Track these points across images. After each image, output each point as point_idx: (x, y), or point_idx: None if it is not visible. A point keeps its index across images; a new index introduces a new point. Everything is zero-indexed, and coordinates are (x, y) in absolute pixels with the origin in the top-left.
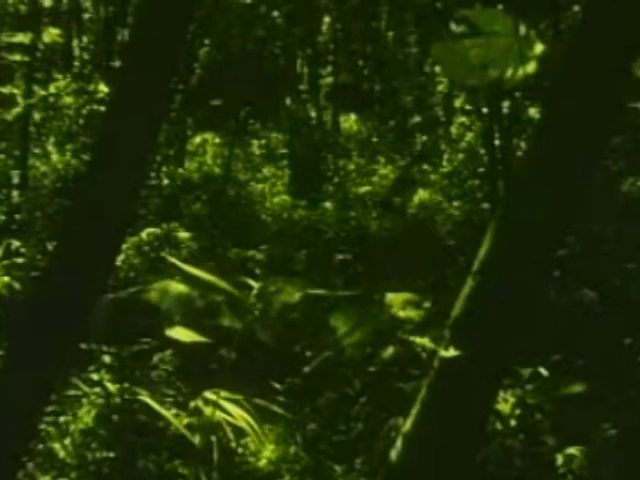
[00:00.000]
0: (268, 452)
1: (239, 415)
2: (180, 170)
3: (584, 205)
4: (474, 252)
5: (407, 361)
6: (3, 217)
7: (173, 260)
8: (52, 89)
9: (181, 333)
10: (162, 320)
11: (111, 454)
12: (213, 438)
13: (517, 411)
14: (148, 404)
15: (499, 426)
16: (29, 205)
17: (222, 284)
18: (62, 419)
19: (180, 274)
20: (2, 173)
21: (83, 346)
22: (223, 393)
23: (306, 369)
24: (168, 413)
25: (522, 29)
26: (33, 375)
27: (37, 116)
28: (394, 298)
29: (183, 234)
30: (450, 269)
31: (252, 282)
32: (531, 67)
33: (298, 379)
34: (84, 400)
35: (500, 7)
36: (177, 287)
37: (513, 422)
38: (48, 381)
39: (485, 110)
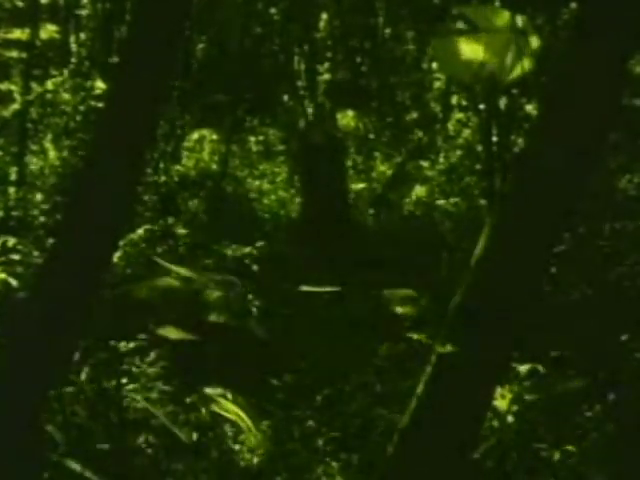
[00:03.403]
0: (265, 448)
1: (234, 411)
2: (177, 167)
3: (582, 202)
4: (471, 248)
5: (404, 357)
6: (0, 214)
7: (159, 260)
8: (49, 86)
9: (170, 331)
10: (158, 317)
11: (106, 450)
12: (209, 434)
13: (514, 408)
14: (139, 401)
15: (496, 423)
16: (26, 202)
17: (209, 282)
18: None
19: (170, 272)
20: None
21: (80, 342)
22: (219, 389)
23: (302, 365)
24: (160, 410)
25: (519, 25)
26: (31, 372)
27: (34, 113)
28: (392, 294)
29: (180, 230)
30: (447, 265)
31: (238, 280)
32: (528, 63)
33: (294, 375)
34: (81, 396)
35: (497, 3)
36: (172, 284)
37: (510, 418)
38: (47, 378)
39: (482, 106)
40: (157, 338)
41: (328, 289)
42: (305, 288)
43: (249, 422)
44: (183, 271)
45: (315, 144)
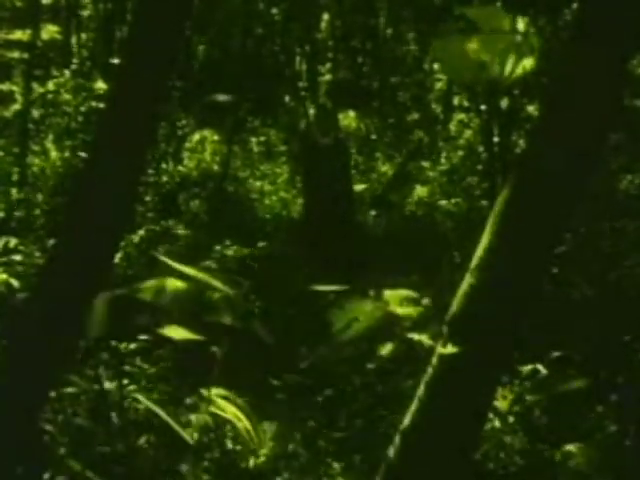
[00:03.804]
0: (266, 449)
1: (234, 413)
2: (179, 167)
3: (583, 202)
4: (472, 249)
5: (405, 358)
6: (2, 214)
7: (163, 258)
8: (51, 86)
9: (172, 331)
10: (160, 317)
11: (108, 451)
12: (211, 435)
13: (515, 408)
14: (141, 402)
15: (497, 423)
16: (28, 202)
17: (213, 282)
18: (61, 416)
19: (172, 272)
20: (1, 170)
21: (81, 343)
22: (221, 390)
23: (303, 365)
24: (162, 410)
25: (521, 26)
26: (31, 372)
27: (36, 113)
28: (392, 295)
29: (181, 231)
30: (448, 265)
31: (242, 280)
32: (530, 64)
33: (296, 376)
34: (83, 397)
35: (499, 4)
36: (175, 284)
37: (511, 419)
38: (47, 378)
39: (483, 107)
40: (158, 338)
41: (330, 288)
42: (307, 288)
43: (248, 424)
44: (187, 269)
45: (319, 145)
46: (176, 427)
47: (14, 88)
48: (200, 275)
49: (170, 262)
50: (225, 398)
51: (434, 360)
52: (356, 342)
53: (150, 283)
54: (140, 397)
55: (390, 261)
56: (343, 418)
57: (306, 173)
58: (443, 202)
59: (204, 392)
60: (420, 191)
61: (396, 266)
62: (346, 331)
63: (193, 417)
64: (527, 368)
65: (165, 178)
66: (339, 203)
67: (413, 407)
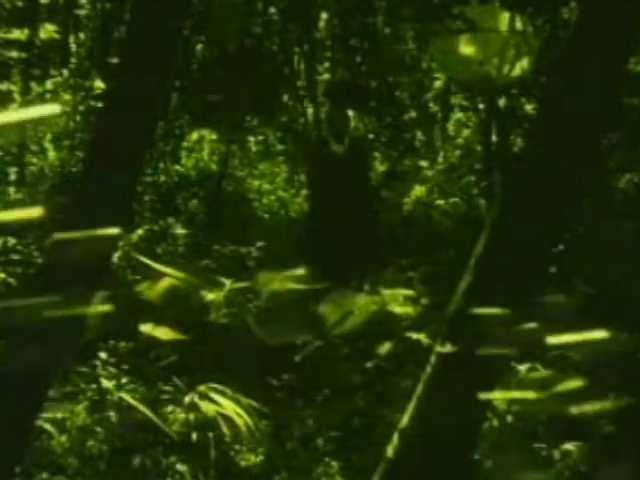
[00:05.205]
0: (264, 448)
1: (233, 409)
2: (177, 167)
3: (582, 202)
4: (471, 248)
5: (404, 357)
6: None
7: (143, 259)
8: (49, 85)
9: (161, 332)
10: (157, 317)
11: (108, 451)
12: (210, 434)
13: (514, 407)
14: (135, 401)
15: (496, 423)
16: (26, 202)
17: (195, 283)
18: (59, 416)
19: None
20: None
21: (80, 342)
22: (219, 388)
23: (297, 358)
24: (155, 409)
25: (519, 25)
26: (31, 372)
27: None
28: (391, 294)
29: (180, 231)
30: (446, 265)
31: (225, 280)
32: (527, 63)
33: (294, 374)
34: (81, 396)
35: (497, 4)
36: (172, 284)
37: (510, 418)
38: (46, 378)
39: (481, 106)
40: (156, 338)
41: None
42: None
43: (249, 420)
44: (178, 274)
45: (332, 152)
46: (161, 424)
47: (12, 88)
48: (192, 278)
49: (158, 267)
50: (224, 394)
51: (433, 359)
52: (352, 337)
53: (148, 283)
54: (124, 395)
55: (388, 260)
56: (341, 417)
57: (310, 178)
58: (441, 201)
59: (205, 390)
60: (418, 190)
61: (394, 265)
62: (340, 325)
63: (191, 416)
64: (525, 367)
65: (163, 177)
66: (359, 207)
67: (411, 406)
